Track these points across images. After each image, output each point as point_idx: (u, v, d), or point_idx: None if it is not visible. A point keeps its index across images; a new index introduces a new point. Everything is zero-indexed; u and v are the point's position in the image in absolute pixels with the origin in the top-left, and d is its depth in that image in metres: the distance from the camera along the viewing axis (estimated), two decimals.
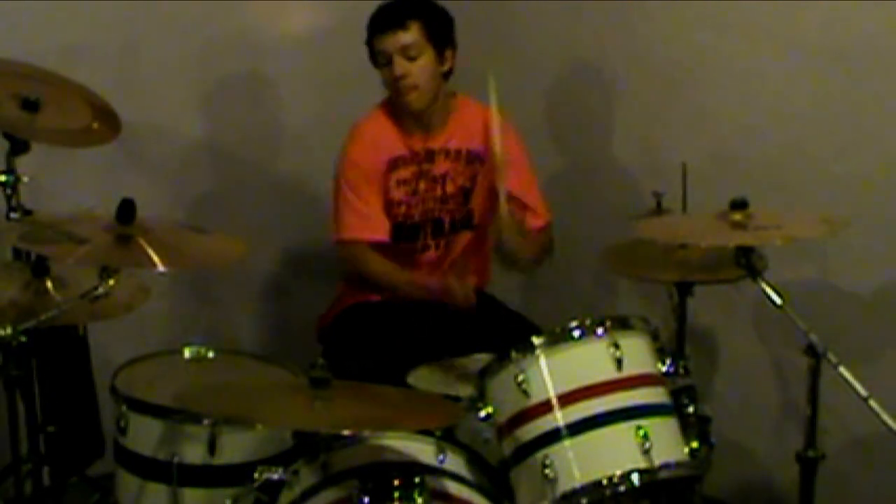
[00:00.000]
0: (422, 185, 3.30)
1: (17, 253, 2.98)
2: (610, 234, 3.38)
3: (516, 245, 3.08)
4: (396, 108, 3.29)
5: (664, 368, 2.54)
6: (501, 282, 3.65)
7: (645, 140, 3.71)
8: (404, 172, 3.29)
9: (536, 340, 2.44)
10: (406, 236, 3.32)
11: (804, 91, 3.31)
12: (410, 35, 3.16)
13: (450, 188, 3.32)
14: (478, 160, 3.33)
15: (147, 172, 3.69)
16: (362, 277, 3.32)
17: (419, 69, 3.18)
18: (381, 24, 3.18)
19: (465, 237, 3.39)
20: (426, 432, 2.53)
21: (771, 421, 3.49)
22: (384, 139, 3.27)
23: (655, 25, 3.62)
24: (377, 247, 3.28)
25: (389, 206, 3.29)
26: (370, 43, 3.22)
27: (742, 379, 3.55)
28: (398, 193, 3.29)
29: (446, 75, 3.26)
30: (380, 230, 3.27)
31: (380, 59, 3.20)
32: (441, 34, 3.22)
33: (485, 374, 2.50)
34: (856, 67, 3.20)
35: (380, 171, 3.26)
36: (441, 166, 3.31)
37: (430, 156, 3.30)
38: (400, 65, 3.16)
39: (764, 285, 2.65)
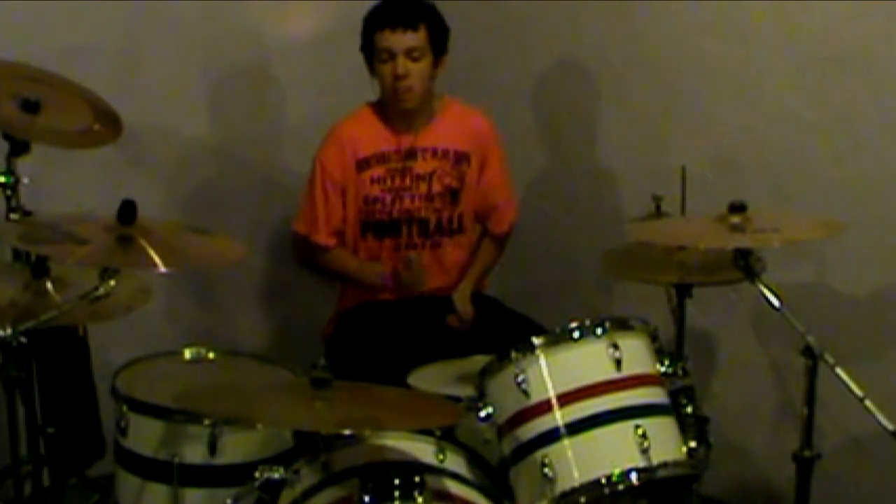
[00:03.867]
0: (398, 182, 3.31)
1: (17, 253, 2.98)
2: (609, 236, 3.39)
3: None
4: (382, 107, 3.31)
5: (663, 369, 2.55)
6: (502, 284, 3.66)
7: (644, 143, 3.72)
8: (378, 170, 3.30)
9: (536, 340, 2.46)
10: (388, 232, 3.34)
11: (802, 95, 3.32)
12: (418, 37, 3.18)
13: (436, 187, 3.34)
14: (465, 161, 3.35)
15: (148, 173, 3.69)
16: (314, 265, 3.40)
17: (418, 71, 3.20)
18: (391, 20, 3.18)
19: (455, 244, 3.41)
20: (426, 432, 2.54)
21: (768, 421, 3.50)
22: (358, 139, 3.29)
23: (655, 29, 3.62)
24: (367, 238, 3.32)
25: (366, 203, 3.30)
26: (371, 38, 3.22)
27: (740, 379, 3.56)
28: (373, 191, 3.30)
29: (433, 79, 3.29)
30: (322, 234, 3.31)
31: (381, 55, 3.20)
32: (441, 42, 3.25)
33: (485, 373, 2.51)
34: (854, 72, 3.21)
35: (346, 177, 3.28)
36: (426, 165, 3.32)
37: (412, 154, 3.31)
38: (403, 64, 3.18)
39: (762, 287, 2.66)
